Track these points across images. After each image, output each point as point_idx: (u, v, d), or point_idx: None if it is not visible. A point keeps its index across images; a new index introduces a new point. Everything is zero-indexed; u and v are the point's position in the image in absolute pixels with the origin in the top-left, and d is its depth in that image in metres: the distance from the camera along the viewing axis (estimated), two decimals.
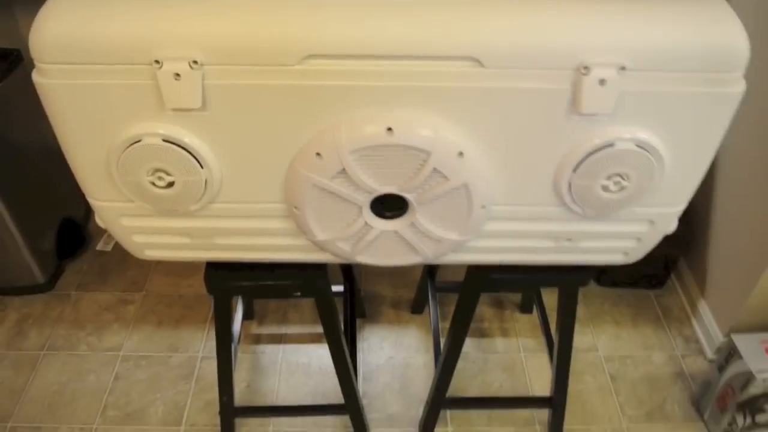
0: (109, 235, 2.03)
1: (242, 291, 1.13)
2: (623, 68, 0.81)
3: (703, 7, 0.84)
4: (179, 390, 1.61)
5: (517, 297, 1.87)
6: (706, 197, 1.76)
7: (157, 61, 0.81)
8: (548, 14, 0.81)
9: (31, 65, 0.84)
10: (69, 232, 1.94)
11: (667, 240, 1.79)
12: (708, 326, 1.75)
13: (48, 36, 0.81)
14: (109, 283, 1.89)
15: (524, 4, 0.82)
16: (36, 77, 0.85)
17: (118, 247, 2.00)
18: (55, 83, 0.84)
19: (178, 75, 0.82)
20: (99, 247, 2.00)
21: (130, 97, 0.85)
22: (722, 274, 1.70)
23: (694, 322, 1.82)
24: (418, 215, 0.95)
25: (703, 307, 1.78)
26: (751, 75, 1.54)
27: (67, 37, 0.80)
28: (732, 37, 0.81)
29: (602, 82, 0.82)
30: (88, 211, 2.09)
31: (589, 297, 1.90)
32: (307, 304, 1.83)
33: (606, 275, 1.91)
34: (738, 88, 0.85)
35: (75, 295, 1.85)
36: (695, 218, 1.83)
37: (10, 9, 1.93)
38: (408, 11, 0.81)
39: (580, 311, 1.85)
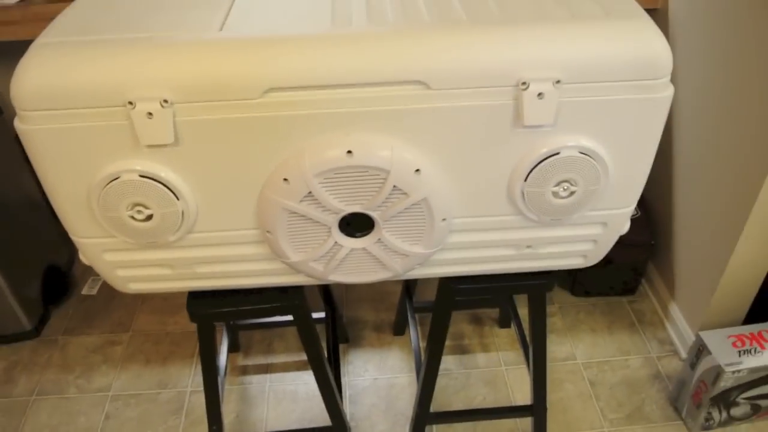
0: (94, 279, 2.07)
1: (223, 316, 1.17)
2: (558, 81, 0.89)
3: (628, 23, 0.92)
4: (169, 425, 1.63)
5: (495, 312, 1.93)
6: (668, 203, 1.84)
7: (130, 102, 0.87)
8: (486, 36, 0.88)
9: (11, 119, 0.90)
10: (53, 279, 1.98)
11: (635, 247, 1.87)
12: (680, 327, 1.81)
13: (28, 85, 0.87)
14: (95, 326, 1.92)
15: (464, 28, 0.89)
16: (18, 124, 0.91)
17: (102, 290, 2.04)
18: (37, 129, 0.90)
19: (150, 114, 0.88)
20: (84, 291, 2.04)
21: (107, 137, 0.91)
22: (689, 276, 1.77)
23: (667, 325, 1.88)
24: (384, 231, 1.02)
25: (674, 310, 1.85)
26: (700, 82, 1.64)
27: (46, 85, 0.87)
28: (655, 48, 0.90)
29: (540, 95, 0.89)
30: (72, 257, 2.13)
31: (564, 308, 1.96)
32: (292, 333, 1.88)
33: (579, 286, 1.97)
34: (666, 92, 0.93)
35: (62, 339, 1.88)
36: (660, 224, 1.91)
37: None
38: (357, 42, 0.88)
39: (557, 322, 1.91)
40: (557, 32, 0.90)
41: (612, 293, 1.99)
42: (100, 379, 1.76)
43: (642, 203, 1.92)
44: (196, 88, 0.87)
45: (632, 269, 1.92)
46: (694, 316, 1.76)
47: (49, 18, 1.68)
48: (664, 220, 1.88)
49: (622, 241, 1.82)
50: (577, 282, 1.97)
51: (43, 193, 2.02)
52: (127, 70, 0.87)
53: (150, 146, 0.92)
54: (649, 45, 0.90)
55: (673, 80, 1.74)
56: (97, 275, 2.08)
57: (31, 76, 0.87)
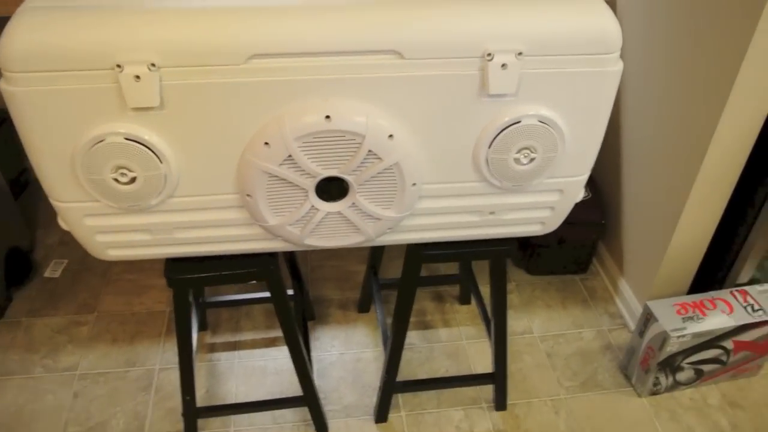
0: (57, 262, 2.06)
1: (200, 282, 1.21)
2: (520, 53, 0.97)
3: (583, 2, 1.01)
4: (139, 401, 1.65)
5: (455, 290, 2.01)
6: (617, 185, 1.96)
7: (118, 65, 0.91)
8: (456, 10, 0.96)
9: None
10: (16, 262, 1.96)
11: (586, 226, 1.98)
12: (629, 301, 1.93)
13: (16, 46, 0.90)
14: (60, 308, 1.92)
15: (436, 2, 0.97)
16: (4, 86, 0.93)
17: (66, 273, 2.03)
18: (24, 90, 0.93)
19: (138, 77, 0.92)
20: (47, 274, 2.03)
21: (93, 100, 0.94)
22: (636, 253, 1.88)
23: (617, 300, 2.00)
24: (358, 195, 1.08)
25: (623, 285, 1.96)
26: (644, 63, 1.75)
27: (35, 47, 0.90)
28: (606, 25, 0.98)
29: (504, 66, 0.97)
30: (33, 238, 2.11)
31: (521, 285, 2.06)
32: (259, 311, 1.91)
33: (534, 264, 2.07)
34: (616, 66, 1.02)
35: (26, 321, 1.87)
36: (610, 205, 2.02)
37: None
38: (336, 13, 0.94)
39: (514, 299, 2.00)
40: (520, 8, 0.98)
41: (565, 271, 2.09)
42: (67, 359, 1.76)
43: (593, 185, 2.03)
44: (183, 52, 0.92)
45: (584, 248, 2.03)
46: (641, 290, 1.87)
47: None
48: (613, 201, 1.99)
49: (574, 222, 1.93)
50: (533, 261, 2.06)
51: (5, 173, 2.01)
52: (116, 33, 0.91)
53: (136, 109, 0.96)
54: (601, 22, 0.99)
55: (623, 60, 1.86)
56: (61, 258, 2.08)
57: (19, 38, 0.90)
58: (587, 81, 1.03)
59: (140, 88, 0.93)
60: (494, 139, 1.05)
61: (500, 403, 1.65)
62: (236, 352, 1.79)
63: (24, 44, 0.90)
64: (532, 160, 1.08)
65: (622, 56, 1.85)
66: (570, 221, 1.91)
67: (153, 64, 0.92)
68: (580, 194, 1.22)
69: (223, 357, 1.78)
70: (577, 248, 2.03)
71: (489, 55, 0.96)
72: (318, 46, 0.94)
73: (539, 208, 1.21)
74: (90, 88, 0.93)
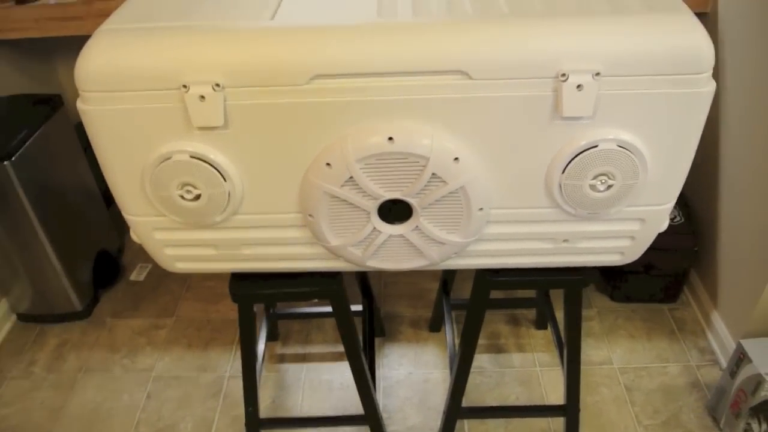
0: (142, 266, 2.15)
1: (264, 298, 1.21)
2: (598, 74, 0.90)
3: (670, 17, 0.92)
4: (208, 407, 1.69)
5: (532, 314, 1.93)
6: (713, 208, 1.82)
7: (184, 86, 0.92)
8: (527, 28, 0.90)
9: (71, 110, 0.96)
10: (104, 264, 2.06)
11: (678, 253, 1.84)
12: (722, 337, 1.78)
13: (91, 67, 0.92)
14: (141, 310, 1.99)
15: (506, 19, 0.92)
16: (80, 104, 0.97)
17: (150, 277, 2.11)
18: (97, 109, 0.96)
19: (203, 97, 0.93)
20: (132, 277, 2.12)
21: (161, 118, 0.96)
22: (732, 284, 1.74)
23: (708, 334, 1.85)
24: (422, 219, 1.04)
25: (716, 318, 1.81)
26: (751, 84, 1.62)
27: (108, 68, 0.92)
28: (696, 42, 0.90)
29: (579, 87, 0.90)
30: (122, 244, 2.22)
31: (603, 313, 1.94)
32: (330, 324, 1.91)
33: (619, 291, 1.96)
34: (707, 87, 0.93)
35: (110, 321, 1.96)
36: (704, 230, 1.88)
37: (51, 57, 2.11)
38: (402, 32, 0.91)
39: (595, 326, 1.90)
40: (598, 25, 0.91)
41: (652, 300, 1.96)
42: (144, 360, 1.83)
43: (685, 209, 1.90)
44: (247, 73, 0.92)
45: (674, 276, 1.89)
46: (736, 326, 1.72)
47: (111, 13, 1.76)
48: (707, 227, 1.85)
49: (664, 247, 1.81)
50: (617, 287, 1.95)
51: (98, 182, 2.12)
52: (182, 54, 0.92)
53: (201, 128, 0.97)
54: (690, 39, 0.90)
55: (723, 81, 1.72)
56: (146, 262, 2.17)
57: (94, 59, 0.93)
58: (673, 103, 0.94)
59: (205, 107, 0.93)
60: (568, 164, 0.98)
61: None
62: (304, 365, 1.79)
63: (99, 65, 0.92)
64: (609, 186, 1.01)
65: (727, 75, 1.72)
66: (659, 247, 1.79)
67: (217, 84, 0.92)
68: (664, 224, 1.13)
69: (291, 369, 1.78)
70: (667, 276, 1.89)
71: (563, 75, 0.90)
72: (382, 67, 0.91)
73: (618, 237, 1.13)
74: (158, 108, 0.95)
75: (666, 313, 1.94)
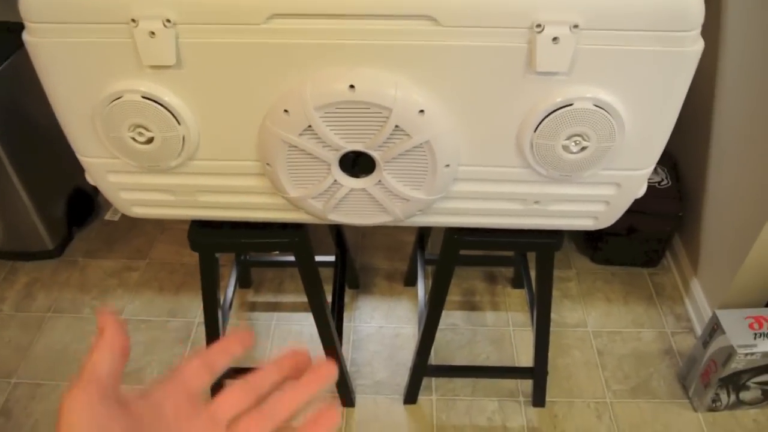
0: None
1: (223, 248, 1.18)
2: (576, 26, 0.84)
3: None
4: (175, 353, 1.67)
5: (510, 272, 1.90)
6: (701, 175, 1.77)
7: (133, 20, 0.86)
8: None
9: None
10: (79, 202, 2.02)
11: (662, 217, 1.80)
12: (699, 305, 1.75)
13: None
14: (115, 251, 1.96)
15: None
16: (26, 36, 0.91)
17: (125, 217, 2.07)
18: (42, 41, 0.90)
19: (153, 33, 0.86)
20: (107, 216, 2.08)
21: (111, 54, 0.90)
22: (714, 252, 1.70)
23: (686, 301, 1.83)
24: (385, 173, 0.99)
25: (696, 286, 1.79)
26: (748, 47, 1.54)
27: None
28: None
29: (555, 39, 0.84)
30: None
31: (582, 274, 1.92)
32: None
33: (600, 253, 1.92)
34: (695, 46, 0.87)
35: (82, 261, 1.93)
36: (690, 196, 1.83)
37: None
38: None
39: (573, 287, 1.87)
40: None
41: (633, 263, 1.93)
42: (115, 303, 1.80)
43: (673, 171, 1.85)
44: (200, 9, 0.85)
45: (657, 240, 1.86)
46: (714, 295, 1.70)
47: None
48: (695, 192, 1.80)
49: (648, 211, 1.77)
50: (598, 249, 1.92)
51: None
52: None
53: (153, 67, 0.91)
54: None
55: (718, 44, 1.64)
56: None
57: None
58: (657, 62, 0.88)
59: (155, 44, 0.87)
60: (541, 122, 0.93)
61: (538, 399, 1.55)
62: (275, 314, 1.77)
63: None
64: (583, 148, 0.96)
65: (724, 38, 1.64)
66: (643, 210, 1.75)
67: (168, 20, 0.86)
68: (641, 190, 1.08)
69: (262, 317, 1.76)
70: (649, 240, 1.86)
71: (538, 26, 0.84)
72: (344, 8, 0.84)
73: (592, 201, 1.08)
74: (107, 42, 0.89)
75: (646, 277, 1.91)
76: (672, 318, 1.80)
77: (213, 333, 1.35)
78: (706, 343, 1.53)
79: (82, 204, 2.04)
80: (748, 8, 1.50)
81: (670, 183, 1.82)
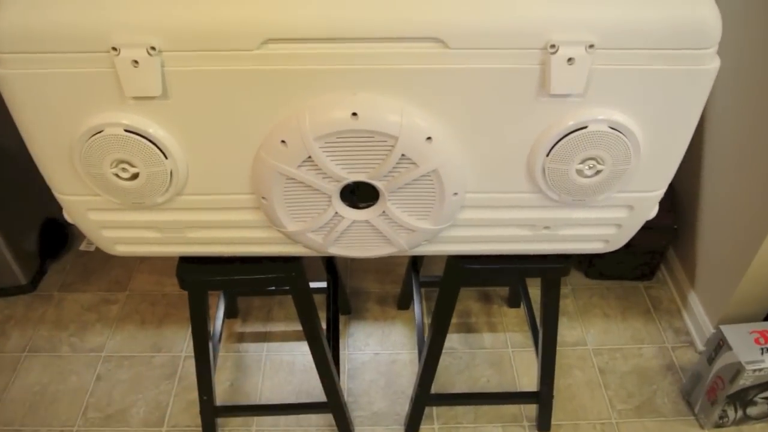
0: None
1: (216, 285, 1.10)
2: (592, 46, 0.79)
3: None
4: (162, 390, 1.58)
5: (504, 291, 1.85)
6: (695, 185, 1.74)
7: (114, 48, 0.79)
8: None
9: None
10: (51, 232, 1.92)
11: (656, 230, 1.77)
12: (698, 318, 1.72)
13: (5, 24, 0.78)
14: (92, 283, 1.86)
15: None
16: None
17: None
18: (13, 73, 0.82)
19: (136, 62, 0.80)
20: (82, 247, 1.98)
21: (89, 86, 0.83)
22: (712, 265, 1.67)
23: (685, 314, 1.79)
24: (389, 204, 0.93)
25: (693, 299, 1.76)
26: (741, 56, 1.52)
27: (24, 26, 0.78)
28: (703, 13, 0.79)
29: (570, 60, 0.79)
30: None
31: (578, 290, 1.88)
32: (292, 301, 1.81)
33: (594, 268, 1.89)
34: (712, 64, 0.83)
35: (58, 295, 1.83)
36: (684, 207, 1.81)
37: None
38: None
39: (569, 305, 1.83)
40: None
41: (628, 277, 1.90)
42: (94, 339, 1.71)
43: None
44: (188, 35, 0.79)
45: (651, 253, 1.83)
46: (713, 307, 1.67)
47: None
48: (689, 204, 1.78)
49: (643, 225, 1.73)
50: (593, 264, 1.88)
51: None
52: (112, 12, 0.78)
53: (136, 98, 0.84)
54: (696, 10, 0.80)
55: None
56: None
57: (7, 15, 0.79)
58: (674, 81, 0.84)
59: (139, 74, 0.80)
60: (554, 146, 0.88)
61: (544, 424, 1.50)
62: (265, 344, 1.70)
63: (14, 22, 0.79)
64: (598, 172, 0.91)
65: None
66: None
67: (153, 48, 0.79)
68: (653, 211, 1.04)
69: (252, 348, 1.69)
70: (644, 254, 1.82)
71: (553, 46, 0.79)
72: (345, 31, 0.79)
73: (603, 225, 1.04)
74: (85, 73, 0.82)
75: (642, 291, 1.88)
76: (671, 332, 1.76)
77: (204, 369, 1.27)
78: (711, 359, 1.49)
79: (55, 234, 1.94)
80: (745, 15, 1.47)
81: (662, 195, 1.78)
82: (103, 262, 1.93)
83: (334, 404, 1.37)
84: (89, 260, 1.94)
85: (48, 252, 1.91)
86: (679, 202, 1.83)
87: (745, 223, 1.51)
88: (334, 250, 1.01)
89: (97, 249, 1.97)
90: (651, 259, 1.84)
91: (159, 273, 1.90)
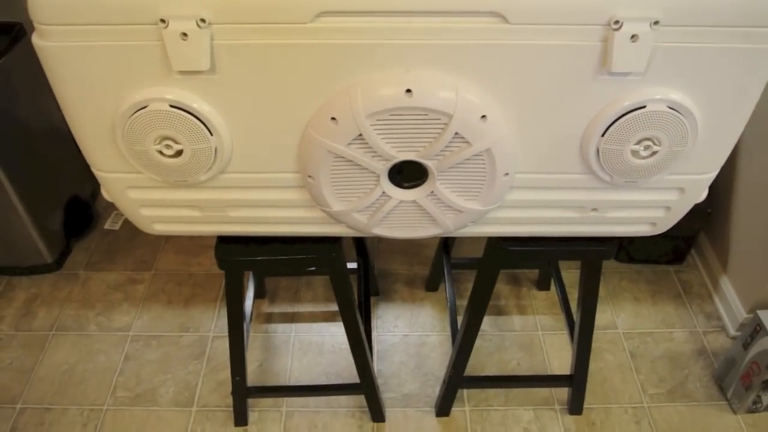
0: (117, 214, 2.00)
1: (254, 266, 1.09)
2: (656, 23, 0.76)
3: None
4: (190, 370, 1.58)
5: (534, 273, 1.83)
6: (729, 168, 1.71)
7: (162, 20, 0.77)
8: None
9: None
10: (76, 211, 1.91)
11: (688, 214, 1.74)
12: (730, 302, 1.70)
13: None
14: (117, 262, 1.86)
15: None
16: (36, 40, 0.81)
17: (126, 225, 1.97)
18: (56, 46, 0.80)
19: (185, 35, 0.77)
20: (107, 225, 1.97)
21: (135, 59, 0.81)
22: (745, 249, 1.65)
23: (716, 298, 1.77)
24: (438, 184, 0.91)
25: (725, 283, 1.73)
26: None
27: None
28: None
29: (634, 37, 0.77)
30: (96, 189, 2.05)
31: (607, 274, 1.85)
32: (320, 281, 1.80)
33: (624, 251, 1.86)
34: None
35: (83, 274, 1.83)
36: (717, 191, 1.77)
37: None
38: None
39: (600, 288, 1.81)
40: None
41: (659, 261, 1.87)
42: (121, 318, 1.70)
43: None
44: (238, 7, 0.76)
45: (683, 238, 1.80)
46: (746, 292, 1.64)
47: None
48: (723, 187, 1.75)
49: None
50: (623, 247, 1.85)
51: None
52: None
53: (183, 72, 0.82)
54: None
55: None
56: None
57: None
58: (737, 60, 0.81)
59: (187, 47, 0.78)
60: (610, 126, 0.85)
61: (576, 407, 1.49)
62: (293, 325, 1.69)
63: None
64: (653, 153, 0.88)
65: None
66: None
67: (203, 20, 0.76)
68: (703, 194, 1.01)
69: (280, 329, 1.68)
70: (676, 238, 1.80)
71: (617, 23, 0.76)
72: (400, 4, 0.76)
73: (653, 207, 1.01)
74: (131, 46, 0.79)
75: (672, 275, 1.86)
76: (702, 317, 1.74)
77: (238, 349, 1.26)
78: (746, 345, 1.47)
79: (80, 213, 1.93)
80: None
81: (714, 177, 1.75)
82: (128, 241, 1.93)
83: (367, 386, 1.36)
84: (114, 239, 1.93)
85: (73, 231, 1.90)
86: (713, 185, 1.80)
87: None
88: (379, 231, 0.99)
89: (122, 228, 1.96)
90: (683, 243, 1.82)
91: (185, 253, 1.89)
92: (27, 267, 1.80)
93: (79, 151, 0.94)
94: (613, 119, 0.85)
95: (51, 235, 1.80)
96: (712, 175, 0.98)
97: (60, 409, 1.50)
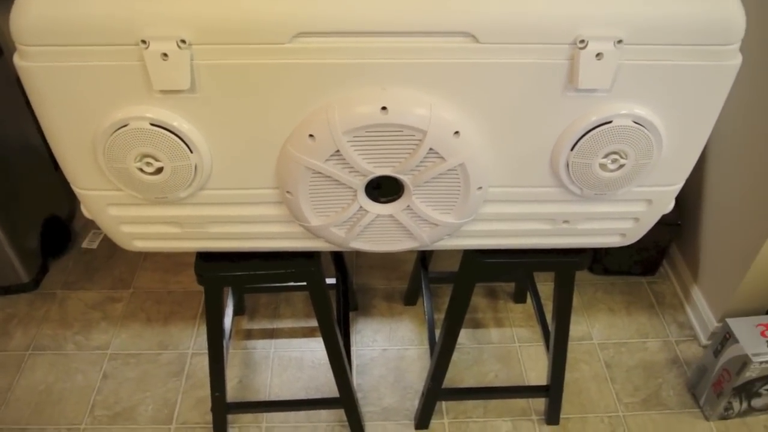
0: (95, 232, 1.99)
1: (234, 281, 1.10)
2: (620, 41, 0.80)
3: None
4: (169, 388, 1.58)
5: (510, 286, 1.86)
6: (697, 181, 1.76)
7: (143, 41, 0.78)
8: None
9: (12, 59, 0.81)
10: (54, 230, 1.90)
11: (659, 226, 1.79)
12: (702, 312, 1.74)
13: (30, 17, 0.78)
14: (95, 281, 1.85)
15: None
16: (17, 60, 0.82)
17: (104, 244, 1.96)
18: (38, 66, 0.81)
19: (165, 55, 0.79)
20: (84, 244, 1.96)
21: (116, 79, 0.82)
22: (714, 260, 1.69)
23: (688, 309, 1.82)
24: (414, 198, 0.93)
25: (696, 293, 1.78)
26: (744, 51, 1.54)
27: (50, 18, 0.78)
28: (728, 9, 0.80)
29: (599, 55, 0.80)
30: (73, 208, 2.05)
31: (582, 285, 1.89)
32: (299, 297, 1.81)
33: (598, 263, 1.90)
34: (734, 60, 0.84)
35: (61, 293, 1.81)
36: (686, 203, 1.83)
37: None
38: None
39: (574, 300, 1.84)
40: None
41: (632, 273, 1.92)
42: (99, 337, 1.70)
43: None
44: (218, 28, 0.78)
45: (655, 249, 1.85)
46: (716, 301, 1.69)
47: None
48: (692, 199, 1.80)
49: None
50: (596, 260, 1.89)
51: (44, 140, 1.93)
52: (142, 4, 0.78)
53: (164, 92, 0.83)
54: (722, 7, 0.81)
55: None
56: (98, 229, 2.01)
57: (34, 7, 0.78)
58: (697, 76, 0.85)
59: (168, 67, 0.80)
60: (579, 140, 0.89)
61: (553, 417, 1.51)
62: (273, 341, 1.69)
63: (40, 14, 0.78)
64: (621, 166, 0.92)
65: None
66: None
67: (183, 41, 0.78)
68: (670, 205, 1.05)
69: (259, 345, 1.68)
70: (648, 249, 1.84)
71: (582, 42, 0.80)
72: (376, 25, 0.79)
73: (622, 219, 1.05)
74: (112, 66, 0.81)
75: (645, 286, 1.90)
76: (675, 326, 1.78)
77: (218, 365, 1.27)
78: (717, 352, 1.51)
79: (58, 233, 1.92)
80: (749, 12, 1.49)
81: (680, 189, 1.80)
82: (106, 260, 1.92)
83: (346, 400, 1.37)
84: (92, 258, 1.92)
85: (50, 250, 1.89)
86: (683, 197, 1.85)
87: (749, 219, 1.53)
88: (356, 245, 1.01)
89: (100, 246, 1.96)
90: (654, 254, 1.86)
91: (163, 271, 1.89)
92: (3, 287, 1.78)
93: (56, 169, 0.95)
94: (582, 134, 0.88)
95: (28, 255, 1.79)
96: (678, 187, 1.02)
97: (37, 429, 1.48)
